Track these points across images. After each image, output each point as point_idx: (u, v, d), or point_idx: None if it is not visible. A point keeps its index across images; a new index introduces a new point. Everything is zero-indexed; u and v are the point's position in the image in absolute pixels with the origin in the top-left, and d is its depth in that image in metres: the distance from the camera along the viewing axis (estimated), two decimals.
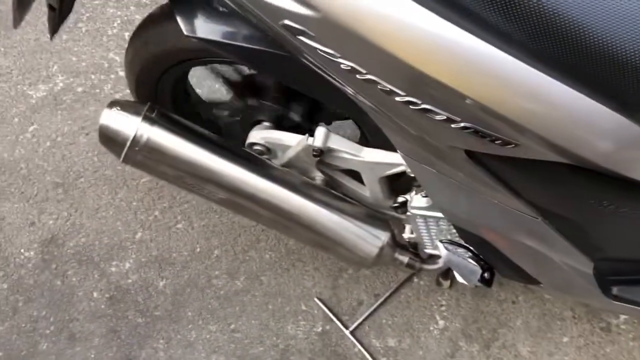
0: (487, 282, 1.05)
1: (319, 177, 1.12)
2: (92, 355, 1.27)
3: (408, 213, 1.06)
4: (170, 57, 1.05)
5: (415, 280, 1.31)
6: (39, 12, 1.68)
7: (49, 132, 1.51)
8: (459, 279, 1.10)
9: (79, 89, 1.57)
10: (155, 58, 1.06)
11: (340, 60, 0.68)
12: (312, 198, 1.06)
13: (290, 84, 1.00)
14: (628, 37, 0.59)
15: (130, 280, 1.34)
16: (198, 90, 1.30)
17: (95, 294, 1.33)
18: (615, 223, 0.81)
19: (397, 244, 1.11)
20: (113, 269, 1.35)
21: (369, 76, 0.67)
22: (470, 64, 0.62)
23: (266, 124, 1.13)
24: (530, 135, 0.66)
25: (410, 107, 0.68)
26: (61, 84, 1.58)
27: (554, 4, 0.58)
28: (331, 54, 0.68)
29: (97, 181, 1.44)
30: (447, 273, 1.27)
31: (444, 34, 0.61)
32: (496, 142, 0.69)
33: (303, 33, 0.67)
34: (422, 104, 0.67)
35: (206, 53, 1.02)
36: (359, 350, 1.25)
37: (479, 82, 0.63)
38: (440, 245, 1.07)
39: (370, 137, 1.07)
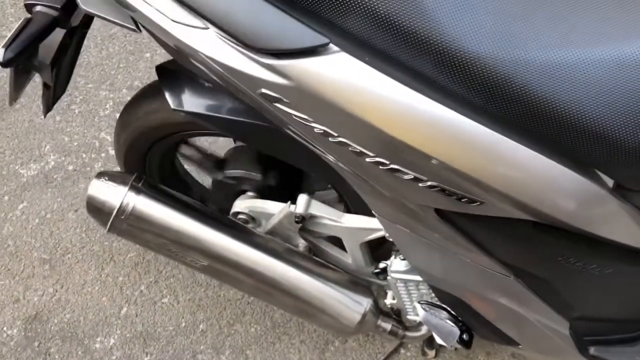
0: (465, 344, 1.06)
1: (302, 244, 1.15)
2: None
3: (388, 278, 1.08)
4: (158, 131, 1.09)
5: (402, 351, 1.31)
6: (33, 95, 1.75)
7: (38, 209, 1.54)
8: (438, 340, 1.10)
9: (70, 167, 1.61)
10: (143, 132, 1.10)
11: (313, 124, 0.72)
12: (295, 264, 1.07)
13: (273, 153, 1.04)
14: (568, 97, 0.64)
15: (114, 357, 1.32)
16: (186, 166, 1.35)
17: None
18: (586, 281, 0.83)
19: (379, 310, 1.12)
20: (97, 345, 1.34)
21: (340, 139, 0.72)
22: (433, 127, 0.67)
23: (250, 193, 1.16)
24: (493, 194, 0.70)
25: (380, 167, 0.72)
26: (52, 163, 1.62)
27: (503, 68, 0.63)
28: (305, 119, 0.72)
29: (84, 257, 1.45)
30: (431, 342, 1.28)
31: (407, 100, 0.66)
32: (462, 200, 0.72)
33: (279, 100, 0.72)
34: (390, 164, 0.71)
35: (193, 126, 1.06)
36: None
37: (441, 143, 0.67)
38: (417, 306, 1.08)
39: (351, 204, 1.10)
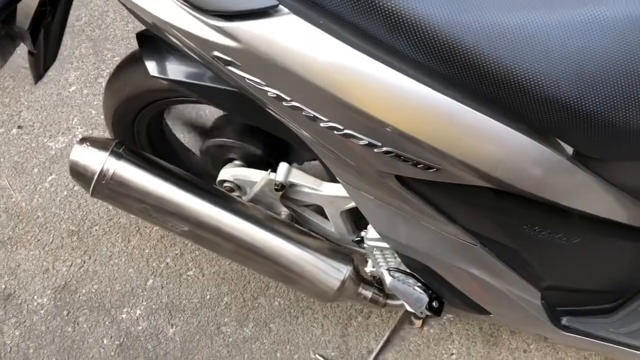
0: (435, 311, 1.05)
1: (284, 212, 1.15)
2: None
3: (365, 245, 1.07)
4: (140, 98, 1.11)
5: (425, 328, 1.30)
6: (61, 69, 1.77)
7: (66, 182, 1.56)
8: (407, 307, 1.10)
9: None
10: (127, 99, 1.12)
11: (266, 88, 0.72)
12: (275, 231, 1.08)
13: (251, 121, 1.04)
14: (523, 61, 0.61)
15: (140, 327, 1.34)
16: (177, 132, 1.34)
17: (105, 341, 1.33)
18: (553, 251, 0.81)
19: (360, 278, 1.13)
20: (124, 315, 1.36)
21: (293, 103, 0.72)
22: (385, 92, 0.66)
23: (237, 162, 1.17)
24: (448, 160, 0.68)
25: (335, 132, 0.72)
26: (80, 136, 1.64)
27: (455, 31, 0.62)
28: (257, 82, 0.72)
29: (111, 229, 1.47)
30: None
31: (357, 65, 0.65)
32: (418, 166, 0.71)
33: (231, 63, 0.71)
34: (344, 129, 0.71)
35: (174, 94, 1.07)
36: None
37: (393, 109, 0.66)
38: (384, 272, 1.07)
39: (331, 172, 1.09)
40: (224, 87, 0.94)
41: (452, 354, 1.27)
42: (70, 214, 1.50)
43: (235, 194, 1.16)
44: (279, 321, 1.33)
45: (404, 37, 0.63)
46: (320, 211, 1.14)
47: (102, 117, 1.67)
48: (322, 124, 0.72)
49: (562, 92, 0.62)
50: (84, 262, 1.43)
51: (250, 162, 1.16)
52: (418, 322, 1.29)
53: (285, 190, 1.08)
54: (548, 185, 0.70)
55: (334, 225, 1.13)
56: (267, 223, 1.09)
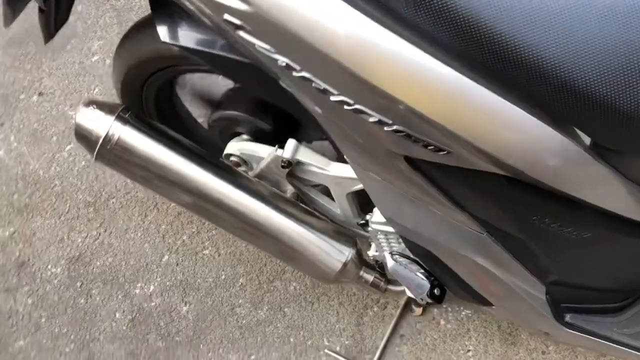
0: (437, 299, 1.03)
1: (290, 190, 1.13)
2: None
3: (369, 229, 1.05)
4: (149, 64, 1.08)
5: (442, 322, 1.28)
6: (84, 37, 1.74)
7: (84, 152, 1.53)
8: (408, 293, 1.08)
9: None
10: (136, 65, 1.09)
11: (276, 56, 0.69)
12: (279, 209, 1.06)
13: (261, 94, 1.02)
14: (544, 44, 0.59)
15: (153, 303, 1.33)
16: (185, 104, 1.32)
17: (117, 315, 1.32)
18: (562, 245, 0.78)
19: (363, 262, 1.11)
20: (137, 290, 1.35)
21: (303, 73, 0.68)
22: (398, 66, 0.63)
23: (244, 136, 1.14)
24: (460, 142, 0.65)
25: (345, 107, 0.69)
26: None
27: (474, 8, 0.59)
28: (268, 49, 0.69)
29: (128, 202, 1.46)
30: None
31: (372, 36, 0.62)
32: (429, 147, 0.68)
33: (241, 28, 0.68)
34: (354, 104, 0.68)
35: (184, 61, 1.05)
36: None
37: (407, 84, 0.63)
38: (387, 256, 1.05)
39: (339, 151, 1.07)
40: (234, 57, 0.91)
41: (468, 351, 1.25)
42: (87, 184, 1.49)
43: (241, 169, 1.13)
44: (293, 306, 1.31)
45: (424, 12, 0.60)
46: (326, 192, 1.12)
47: None
48: (332, 98, 0.68)
49: (582, 78, 0.60)
50: (100, 234, 1.42)
51: (258, 137, 1.14)
52: (418, 310, 1.27)
53: (291, 167, 1.05)
54: (563, 176, 0.68)
55: (339, 207, 1.10)
56: (271, 200, 1.07)
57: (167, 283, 1.35)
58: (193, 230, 1.41)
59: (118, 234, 1.42)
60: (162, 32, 0.95)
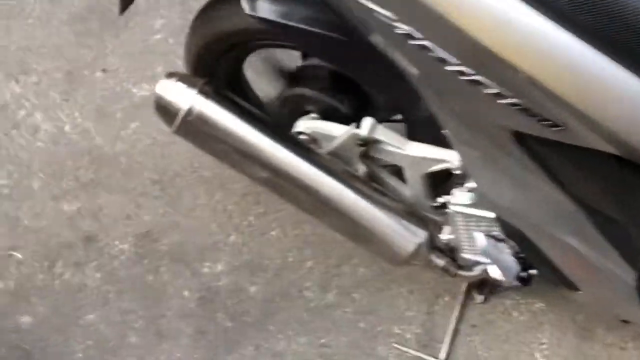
0: (524, 281, 1.02)
1: (361, 169, 1.12)
2: (179, 355, 1.26)
3: (448, 210, 1.04)
4: (230, 37, 1.08)
5: (515, 314, 1.26)
6: (147, 16, 1.73)
7: (149, 130, 1.53)
8: (495, 275, 1.06)
9: None
10: (215, 38, 1.09)
11: (396, 24, 0.68)
12: (353, 187, 1.07)
13: (345, 69, 1.02)
14: None
15: (221, 283, 1.33)
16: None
17: (185, 293, 1.32)
18: None
19: (434, 246, 1.10)
20: (205, 269, 1.34)
21: (423, 42, 0.68)
22: (526, 38, 0.62)
23: (313, 114, 1.14)
24: (579, 117, 0.64)
25: (461, 77, 0.68)
26: None
27: None
28: (388, 17, 0.68)
29: (194, 181, 1.45)
30: (482, 287, 1.24)
31: (501, 4, 0.61)
32: (543, 122, 0.67)
33: None
34: (473, 74, 0.67)
35: (265, 36, 1.05)
36: None
37: (532, 55, 0.63)
38: (480, 235, 1.03)
39: (418, 133, 1.05)
40: (325, 32, 0.92)
41: (542, 344, 1.23)
42: (153, 162, 1.48)
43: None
44: (362, 291, 1.30)
45: None
46: (396, 173, 1.12)
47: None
48: (448, 67, 0.68)
49: None
50: (166, 212, 1.42)
51: (327, 116, 1.13)
52: (479, 298, 1.26)
53: (367, 146, 1.05)
54: None
55: (411, 189, 1.10)
56: (347, 178, 1.07)
57: (235, 263, 1.35)
58: (260, 211, 1.41)
59: (185, 213, 1.41)
60: (247, 4, 0.95)
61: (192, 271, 1.34)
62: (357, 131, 1.04)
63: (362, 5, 0.69)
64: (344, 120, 1.12)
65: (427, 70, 0.72)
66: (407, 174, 1.06)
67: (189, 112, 1.02)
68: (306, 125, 1.11)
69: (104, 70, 1.64)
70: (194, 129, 1.04)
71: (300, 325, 1.27)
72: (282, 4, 0.94)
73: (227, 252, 1.36)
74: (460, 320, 1.26)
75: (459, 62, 0.66)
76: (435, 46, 0.67)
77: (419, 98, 0.95)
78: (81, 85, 1.62)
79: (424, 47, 0.68)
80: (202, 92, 1.03)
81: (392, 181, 1.12)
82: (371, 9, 0.68)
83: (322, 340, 1.26)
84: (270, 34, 1.03)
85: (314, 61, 1.15)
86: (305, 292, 1.31)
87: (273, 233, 1.38)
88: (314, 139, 1.12)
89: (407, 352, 1.23)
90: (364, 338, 1.25)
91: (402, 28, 0.68)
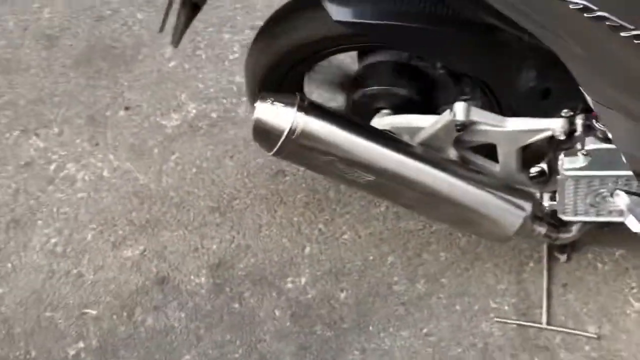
0: None
1: (453, 154, 1.13)
2: None
3: (559, 176, 1.06)
4: (309, 48, 1.07)
5: (599, 266, 1.30)
6: (154, 45, 1.69)
7: (192, 158, 1.50)
8: (635, 228, 1.07)
9: (213, 115, 1.57)
10: (292, 50, 1.08)
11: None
12: (457, 174, 1.08)
13: (442, 59, 1.04)
14: None
15: (309, 295, 1.32)
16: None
17: (277, 313, 1.30)
18: None
19: (535, 215, 1.12)
20: (289, 285, 1.33)
21: (599, 13, 0.70)
22: None
23: (385, 111, 1.15)
24: None
25: (636, 41, 0.70)
26: (194, 111, 1.58)
27: None
28: None
29: (252, 201, 1.43)
30: (563, 247, 1.28)
31: None
32: None
33: None
34: None
35: (348, 39, 1.05)
36: (561, 340, 1.23)
37: None
38: (621, 193, 1.05)
39: (513, 107, 1.08)
40: (414, 25, 0.94)
41: (632, 288, 1.27)
42: (205, 190, 1.46)
43: None
44: (449, 275, 1.31)
45: None
46: (482, 152, 1.14)
47: (212, 90, 1.61)
48: (623, 34, 0.70)
49: None
50: (233, 237, 1.39)
51: (400, 108, 1.14)
52: (563, 257, 1.30)
53: (464, 130, 1.06)
54: None
55: (502, 165, 1.12)
56: (449, 167, 1.09)
57: (317, 273, 1.34)
58: (326, 217, 1.40)
59: (252, 234, 1.39)
60: (333, 10, 0.96)
61: (277, 290, 1.33)
62: (453, 117, 1.04)
63: None
64: (416, 110, 1.13)
65: (594, 41, 0.74)
66: (501, 150, 1.08)
67: (292, 130, 1.00)
68: (384, 122, 1.12)
69: (126, 108, 1.60)
70: (297, 146, 1.02)
71: (398, 320, 1.28)
72: (368, 4, 0.95)
73: (307, 264, 1.35)
74: (550, 282, 1.29)
75: (635, 26, 0.69)
76: (613, 15, 0.69)
77: (515, 74, 0.98)
78: (107, 127, 1.57)
79: (600, 18, 0.69)
80: (301, 108, 1.01)
81: (482, 161, 1.14)
82: None
83: (424, 330, 1.26)
84: (354, 38, 1.03)
85: (373, 59, 1.15)
86: (395, 287, 1.31)
87: (346, 236, 1.37)
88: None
89: (509, 323, 1.25)
90: (464, 319, 1.27)
91: (578, 3, 0.69)
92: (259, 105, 1.02)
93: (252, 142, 1.48)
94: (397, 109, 1.13)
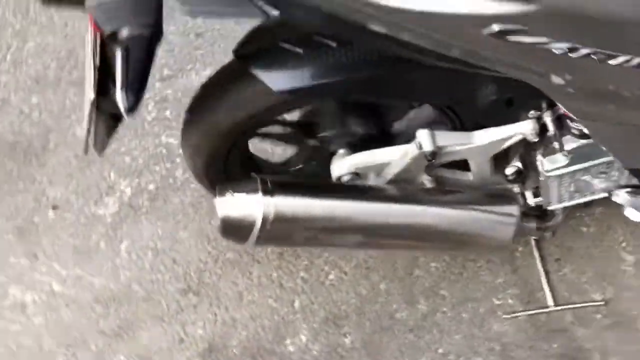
0: None
1: (426, 180, 1.09)
2: None
3: (541, 178, 1.04)
4: (250, 121, 1.00)
5: (584, 229, 1.29)
6: (63, 127, 1.53)
7: (144, 242, 1.38)
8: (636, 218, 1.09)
9: (151, 187, 1.44)
10: (232, 127, 1.00)
11: (553, 45, 0.68)
12: (440, 203, 1.04)
13: (390, 97, 0.99)
14: None
15: (314, 352, 1.25)
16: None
17: None
18: None
19: (523, 213, 1.10)
20: (290, 348, 1.25)
21: (586, 50, 0.68)
22: None
23: (341, 151, 1.08)
24: None
25: (625, 65, 0.69)
26: (129, 190, 1.44)
27: None
28: (542, 42, 0.68)
29: (223, 270, 1.33)
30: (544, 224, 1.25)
31: None
32: None
33: (513, 32, 0.66)
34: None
35: (291, 104, 0.99)
36: (573, 317, 1.22)
37: None
38: (622, 193, 1.04)
39: (478, 120, 1.02)
40: (359, 75, 0.88)
41: (621, 242, 1.27)
42: (169, 273, 1.34)
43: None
44: (445, 284, 1.27)
45: None
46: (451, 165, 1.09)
47: (141, 160, 1.47)
48: (611, 61, 0.68)
49: None
50: (216, 314, 1.30)
51: (355, 146, 1.07)
52: (548, 234, 1.26)
53: (434, 157, 1.00)
54: None
55: (475, 174, 1.08)
56: (430, 199, 1.04)
57: (314, 325, 1.27)
58: (305, 263, 1.32)
59: (234, 305, 1.30)
60: (271, 81, 0.87)
61: (279, 356, 1.25)
62: (420, 149, 0.98)
63: (510, 43, 0.67)
64: (373, 142, 1.06)
65: (585, 72, 0.72)
66: (474, 162, 1.03)
67: (265, 219, 0.91)
68: (346, 164, 1.04)
69: (54, 207, 1.44)
70: (274, 232, 0.94)
71: (411, 348, 1.23)
72: (304, 65, 0.87)
73: (300, 318, 1.27)
74: (544, 261, 1.27)
75: (624, 53, 0.67)
76: (602, 49, 0.67)
77: (475, 93, 0.92)
78: (40, 235, 1.41)
79: (587, 54, 0.67)
80: (266, 191, 0.92)
81: (455, 175, 1.09)
82: (521, 42, 0.67)
83: (440, 350, 1.23)
84: (296, 102, 0.94)
85: (312, 107, 1.08)
86: (397, 315, 1.26)
87: (331, 277, 1.30)
88: (357, 174, 1.05)
89: (518, 316, 1.23)
90: (474, 326, 1.24)
91: (560, 47, 0.67)
92: (219, 201, 0.93)
93: (201, 205, 1.41)
94: (354, 147, 1.06)
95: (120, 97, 0.82)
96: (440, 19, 0.67)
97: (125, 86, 0.81)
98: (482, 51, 0.72)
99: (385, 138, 1.06)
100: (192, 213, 1.40)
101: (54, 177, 1.48)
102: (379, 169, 1.03)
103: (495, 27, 0.65)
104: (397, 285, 1.28)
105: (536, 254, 1.27)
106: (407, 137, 1.02)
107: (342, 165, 1.04)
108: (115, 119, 0.89)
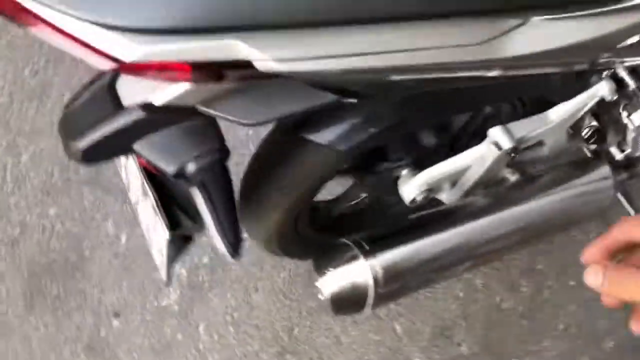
0: None
1: (509, 174, 1.02)
2: None
3: (632, 134, 0.98)
4: (317, 184, 0.94)
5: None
6: (92, 231, 1.45)
7: (220, 319, 1.31)
8: None
9: (205, 260, 1.36)
10: (300, 196, 0.95)
11: None
12: (537, 194, 0.97)
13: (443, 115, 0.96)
14: None
15: None
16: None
17: None
18: None
19: (616, 167, 1.05)
20: None
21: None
22: None
23: (405, 172, 1.02)
24: None
25: None
26: (184, 271, 1.37)
27: None
28: None
29: (311, 319, 1.26)
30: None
31: None
32: None
33: None
34: None
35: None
36: None
37: None
38: None
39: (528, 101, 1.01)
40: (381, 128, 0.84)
41: None
42: (258, 341, 1.28)
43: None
44: (541, 259, 1.21)
45: None
46: None
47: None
48: None
49: None
50: None
51: (419, 163, 1.02)
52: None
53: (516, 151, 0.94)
54: None
55: (551, 147, 1.01)
56: (524, 194, 0.97)
57: (424, 344, 1.20)
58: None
59: (335, 351, 1.23)
60: (336, 142, 0.83)
61: None
62: (499, 149, 0.91)
63: None
64: (435, 153, 1.00)
65: None
66: (551, 139, 0.97)
67: (376, 281, 0.84)
68: (416, 184, 0.97)
69: (116, 315, 1.37)
70: (388, 290, 0.87)
71: (530, 334, 1.17)
72: (354, 118, 0.83)
73: (407, 342, 1.21)
74: (633, 205, 1.21)
75: None
76: None
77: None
78: (112, 348, 1.34)
79: None
80: (366, 253, 0.85)
81: (529, 155, 1.02)
82: None
83: (561, 326, 1.16)
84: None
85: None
86: (504, 305, 1.20)
87: (422, 290, 1.24)
88: (430, 190, 0.98)
89: None
90: (585, 289, 1.18)
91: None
92: (322, 281, 0.86)
93: (263, 261, 1.34)
94: (415, 165, 1.00)
95: (220, 244, 0.75)
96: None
97: (222, 229, 0.74)
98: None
99: (448, 148, 1.00)
100: (257, 272, 1.33)
101: (103, 284, 1.40)
102: (453, 179, 0.97)
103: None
104: (493, 276, 1.22)
105: (622, 198, 1.21)
106: (460, 139, 0.96)
107: (413, 186, 0.98)
108: (186, 239, 0.82)
